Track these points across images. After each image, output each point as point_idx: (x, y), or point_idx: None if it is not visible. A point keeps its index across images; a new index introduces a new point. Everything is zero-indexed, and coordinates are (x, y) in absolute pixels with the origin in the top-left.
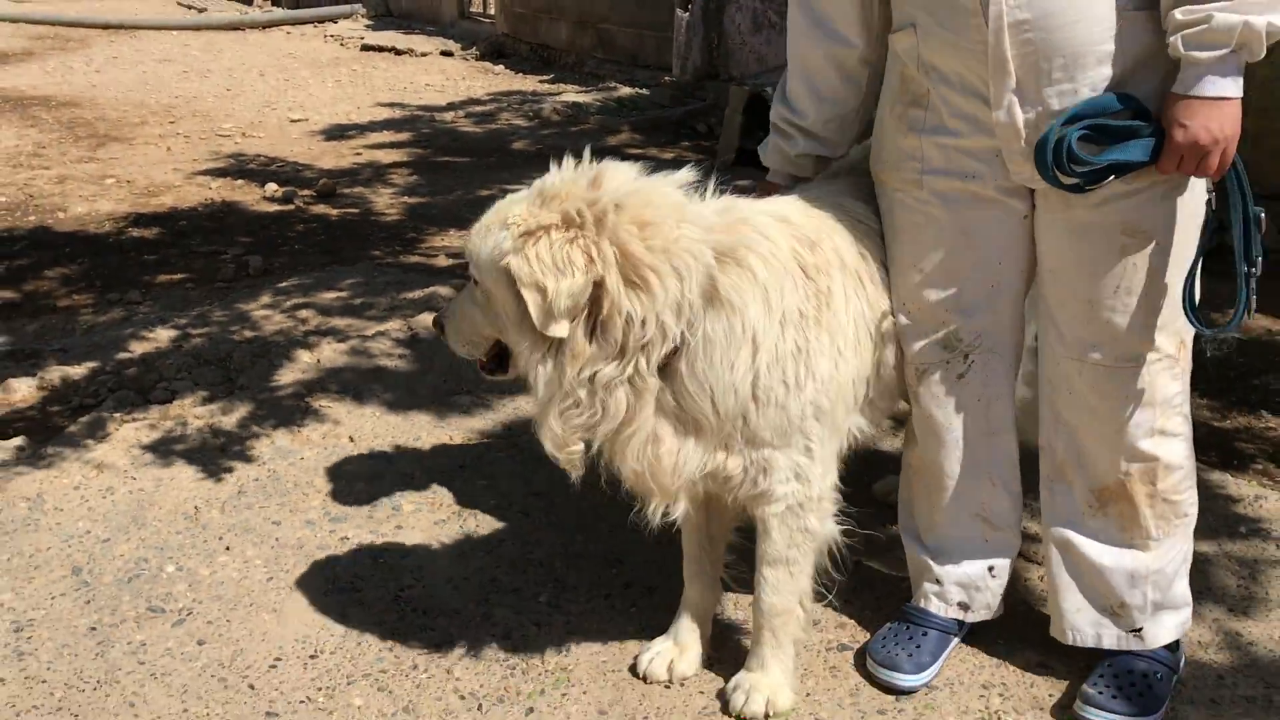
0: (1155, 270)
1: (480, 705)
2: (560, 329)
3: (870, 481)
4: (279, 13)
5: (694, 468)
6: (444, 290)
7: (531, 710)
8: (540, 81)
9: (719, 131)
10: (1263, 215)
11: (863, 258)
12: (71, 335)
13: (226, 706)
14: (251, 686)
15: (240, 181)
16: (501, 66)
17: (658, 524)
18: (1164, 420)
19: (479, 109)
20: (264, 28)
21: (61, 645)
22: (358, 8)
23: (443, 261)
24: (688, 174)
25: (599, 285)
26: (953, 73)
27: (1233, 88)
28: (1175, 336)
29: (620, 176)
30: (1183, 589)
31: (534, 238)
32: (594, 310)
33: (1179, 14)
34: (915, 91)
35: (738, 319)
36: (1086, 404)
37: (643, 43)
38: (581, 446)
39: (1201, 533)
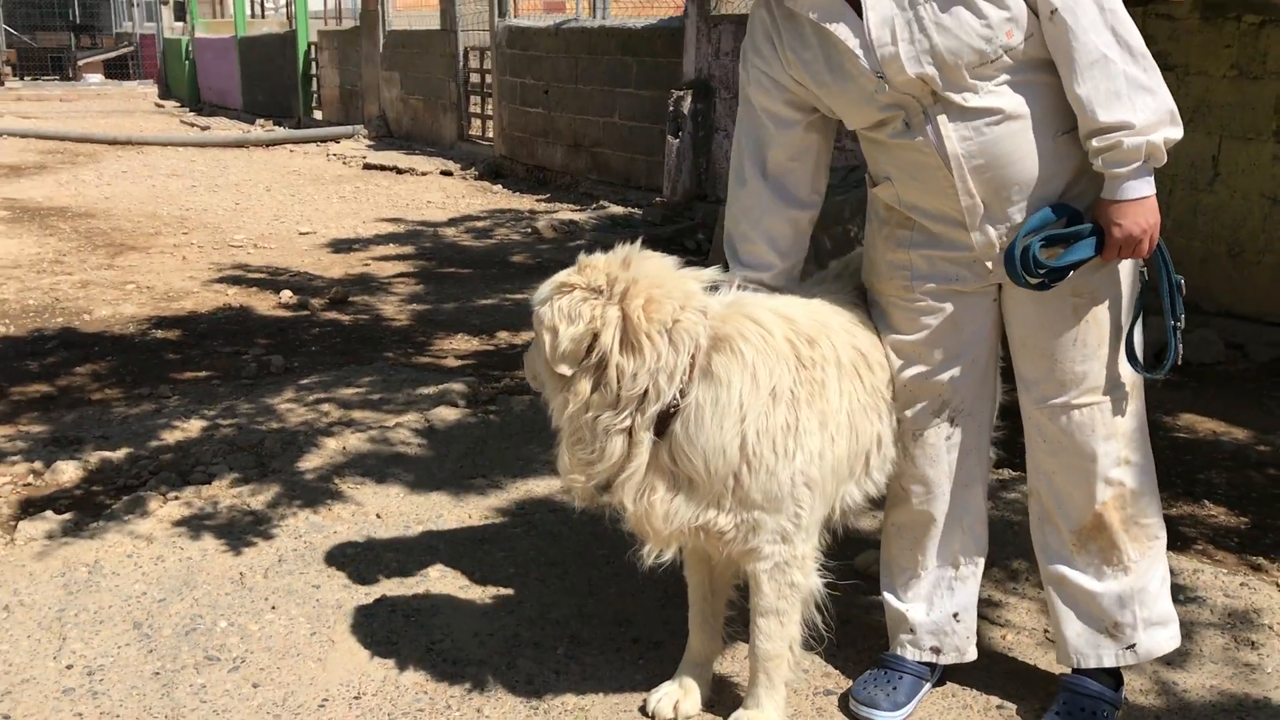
0: (1102, 323)
1: None
2: (565, 369)
3: (853, 556)
4: (281, 131)
5: (685, 519)
6: (457, 386)
7: None
8: (536, 200)
9: (707, 248)
10: (1182, 281)
11: (859, 354)
12: (108, 425)
13: None
14: None
15: (255, 289)
16: (499, 186)
17: (649, 565)
18: (1126, 450)
19: (478, 225)
20: (267, 146)
21: (130, 687)
22: (359, 128)
23: (452, 362)
24: (711, 273)
25: (598, 340)
26: (931, 208)
27: (1148, 188)
28: (1128, 377)
29: (648, 263)
30: (1166, 606)
31: (562, 293)
32: (600, 365)
33: (1095, 143)
34: (900, 220)
35: (725, 391)
36: (1059, 445)
37: (635, 166)
38: (583, 479)
39: None
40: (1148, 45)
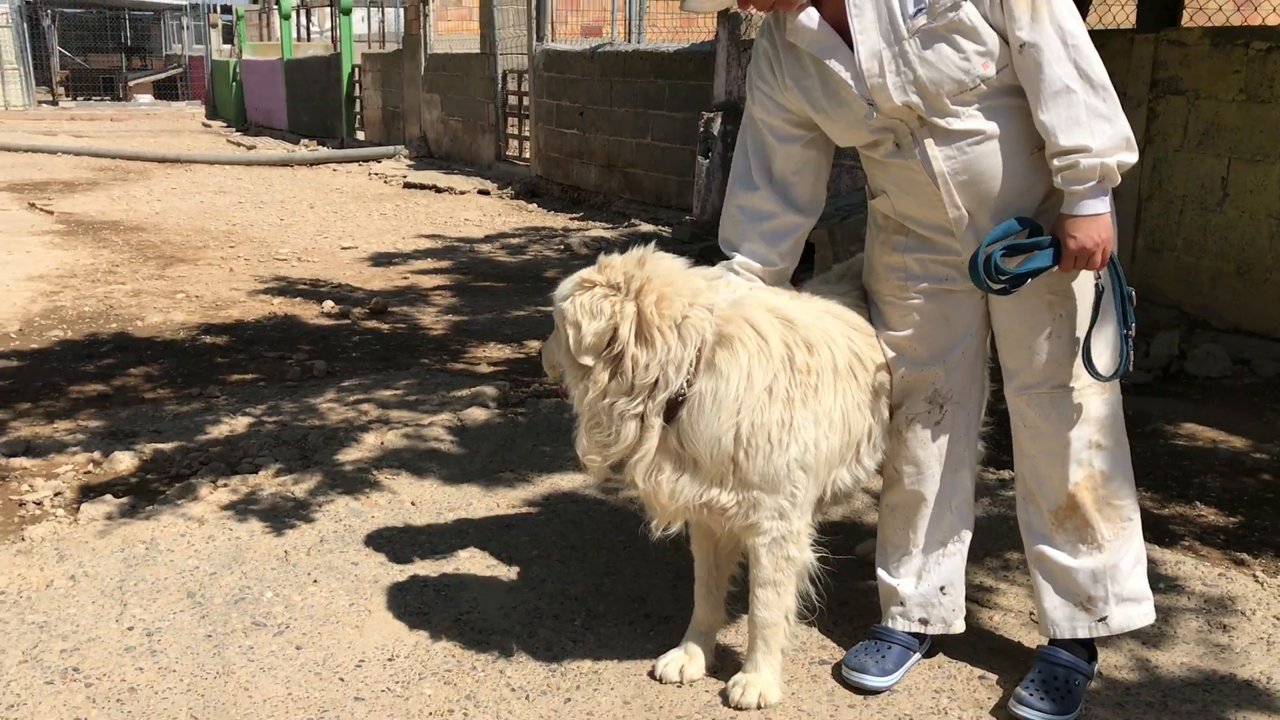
0: (1071, 318)
1: (528, 695)
2: (587, 359)
3: (854, 545)
4: (325, 151)
5: (689, 497)
6: (489, 390)
7: (569, 700)
8: (570, 219)
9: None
10: (1133, 293)
11: (856, 357)
12: (160, 421)
13: (323, 692)
14: (341, 679)
15: (298, 299)
16: (535, 205)
17: (658, 537)
18: (1098, 435)
19: (513, 241)
20: (311, 165)
21: (185, 647)
22: (401, 148)
23: (484, 368)
24: (716, 270)
25: (617, 333)
26: (922, 217)
27: (1102, 206)
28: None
29: (661, 263)
30: (1140, 584)
31: (584, 289)
32: (618, 356)
33: (1056, 161)
34: (895, 227)
35: (724, 384)
36: (1037, 430)
37: (666, 185)
38: (601, 459)
39: None
40: (1161, 71)
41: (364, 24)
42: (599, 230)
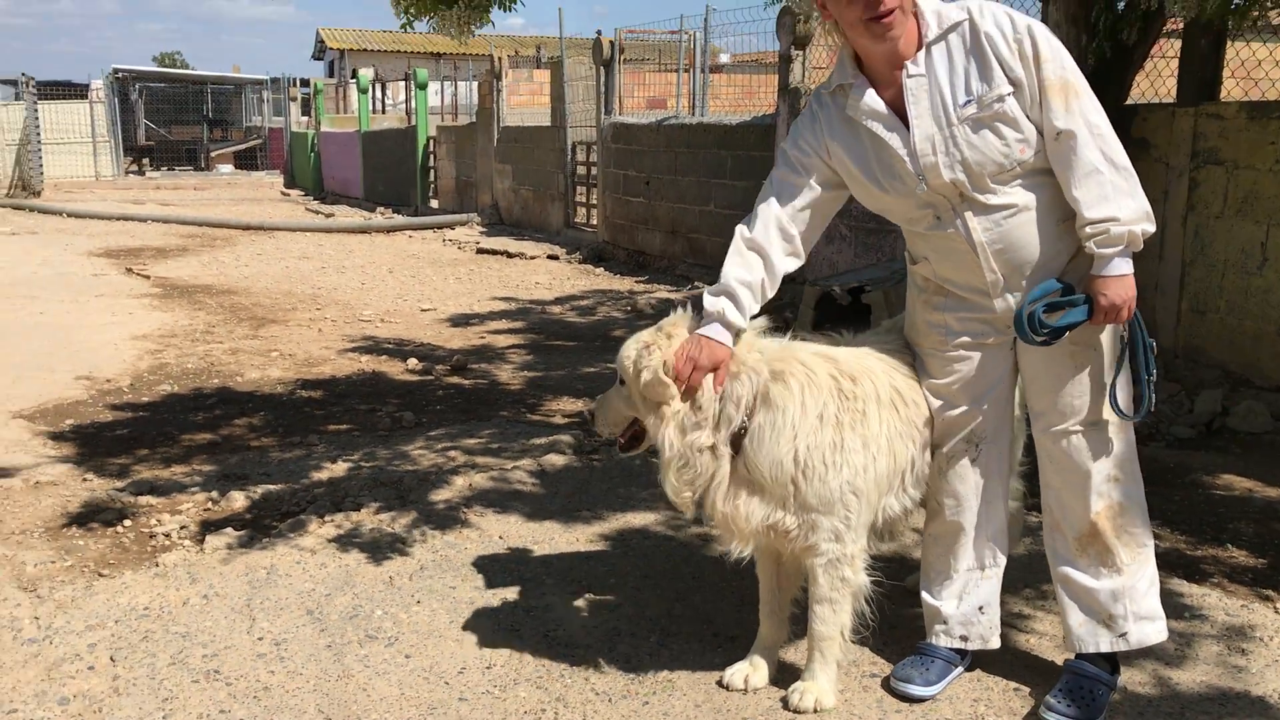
0: (1095, 366)
1: (610, 699)
2: (675, 404)
3: (904, 577)
4: (401, 219)
5: (759, 520)
6: (565, 438)
7: (647, 703)
8: (635, 282)
9: (794, 324)
10: (1154, 344)
11: (896, 392)
12: (267, 465)
13: (430, 693)
14: (446, 683)
15: (384, 357)
16: (601, 269)
17: (734, 558)
18: (1115, 470)
19: (582, 303)
20: (388, 232)
21: (309, 655)
22: (473, 216)
23: (559, 420)
24: (764, 322)
25: None
26: (961, 281)
27: (1127, 268)
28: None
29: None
30: (1154, 604)
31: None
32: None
33: (1088, 229)
34: (935, 289)
35: (780, 415)
36: (1062, 465)
37: (727, 250)
38: (690, 494)
39: None
40: (1201, 142)
41: (436, 97)
42: (663, 292)
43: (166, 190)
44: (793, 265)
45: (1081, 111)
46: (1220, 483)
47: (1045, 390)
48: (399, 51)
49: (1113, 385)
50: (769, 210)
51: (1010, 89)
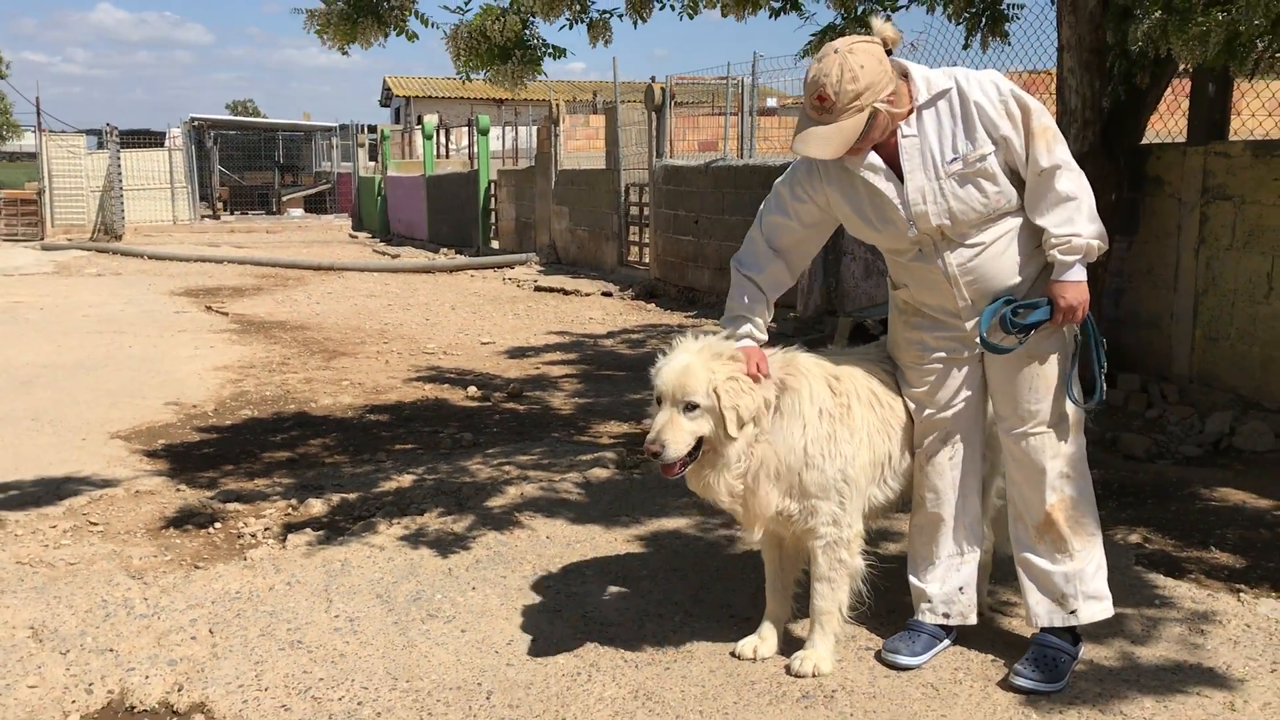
0: (1049, 377)
1: (637, 665)
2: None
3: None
4: (463, 259)
5: (774, 505)
6: (610, 455)
7: (668, 668)
8: (686, 317)
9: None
10: (1105, 341)
11: (874, 393)
12: (340, 478)
13: (483, 659)
14: (496, 652)
15: (446, 386)
16: (653, 305)
17: (749, 544)
18: (1067, 468)
19: (633, 337)
20: (451, 271)
21: (378, 629)
22: (532, 256)
23: (606, 440)
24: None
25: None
26: (936, 305)
27: (1082, 275)
28: (1069, 416)
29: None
30: (1101, 586)
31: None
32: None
33: (1054, 241)
34: (914, 311)
35: (793, 411)
36: (1021, 463)
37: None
38: (741, 488)
39: (1129, 602)
40: (1210, 179)
41: (497, 141)
42: (712, 326)
43: (240, 233)
44: (783, 291)
45: (1060, 153)
46: (1216, 495)
47: (1008, 398)
48: (462, 98)
49: (1069, 378)
50: (764, 250)
51: (993, 148)
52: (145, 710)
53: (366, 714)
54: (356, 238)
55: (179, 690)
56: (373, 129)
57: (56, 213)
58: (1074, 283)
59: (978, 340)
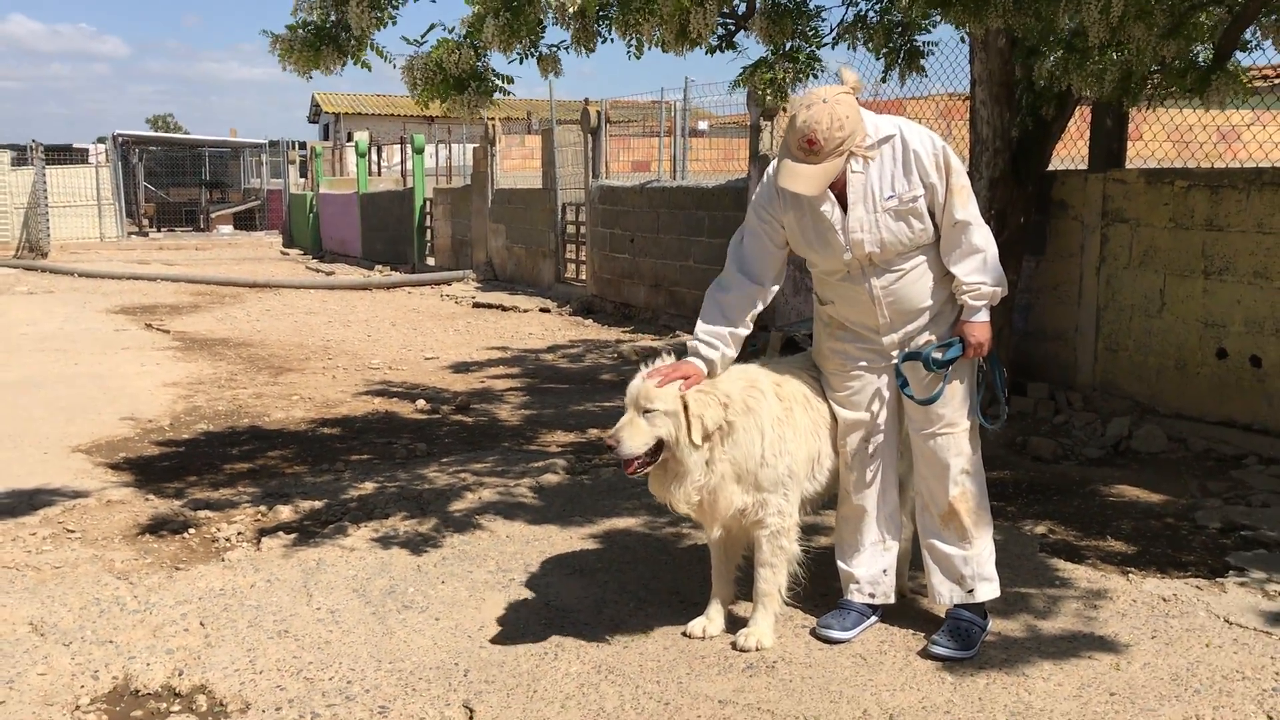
0: (955, 386)
1: (597, 644)
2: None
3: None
4: (400, 276)
5: (737, 506)
6: (560, 461)
7: (626, 647)
8: (622, 332)
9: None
10: (1005, 371)
11: (807, 397)
12: (304, 486)
13: (456, 643)
14: (469, 637)
15: (395, 399)
16: (590, 321)
17: (709, 540)
18: (967, 465)
19: (572, 351)
20: (388, 288)
21: (358, 619)
22: (469, 273)
23: (554, 448)
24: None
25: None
26: (859, 320)
27: (986, 316)
28: (972, 421)
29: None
30: (992, 570)
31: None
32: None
33: (965, 288)
34: (838, 325)
35: (752, 422)
36: (929, 460)
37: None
38: (698, 498)
39: (1033, 581)
40: (1107, 204)
41: (431, 159)
42: (647, 341)
43: (170, 250)
44: (753, 309)
45: (973, 210)
46: (1114, 491)
47: (919, 404)
48: (392, 115)
49: (975, 402)
50: (741, 279)
51: (923, 191)
52: (150, 693)
53: (356, 690)
54: (288, 254)
55: (179, 674)
56: (303, 146)
57: None
58: (981, 323)
59: (896, 351)
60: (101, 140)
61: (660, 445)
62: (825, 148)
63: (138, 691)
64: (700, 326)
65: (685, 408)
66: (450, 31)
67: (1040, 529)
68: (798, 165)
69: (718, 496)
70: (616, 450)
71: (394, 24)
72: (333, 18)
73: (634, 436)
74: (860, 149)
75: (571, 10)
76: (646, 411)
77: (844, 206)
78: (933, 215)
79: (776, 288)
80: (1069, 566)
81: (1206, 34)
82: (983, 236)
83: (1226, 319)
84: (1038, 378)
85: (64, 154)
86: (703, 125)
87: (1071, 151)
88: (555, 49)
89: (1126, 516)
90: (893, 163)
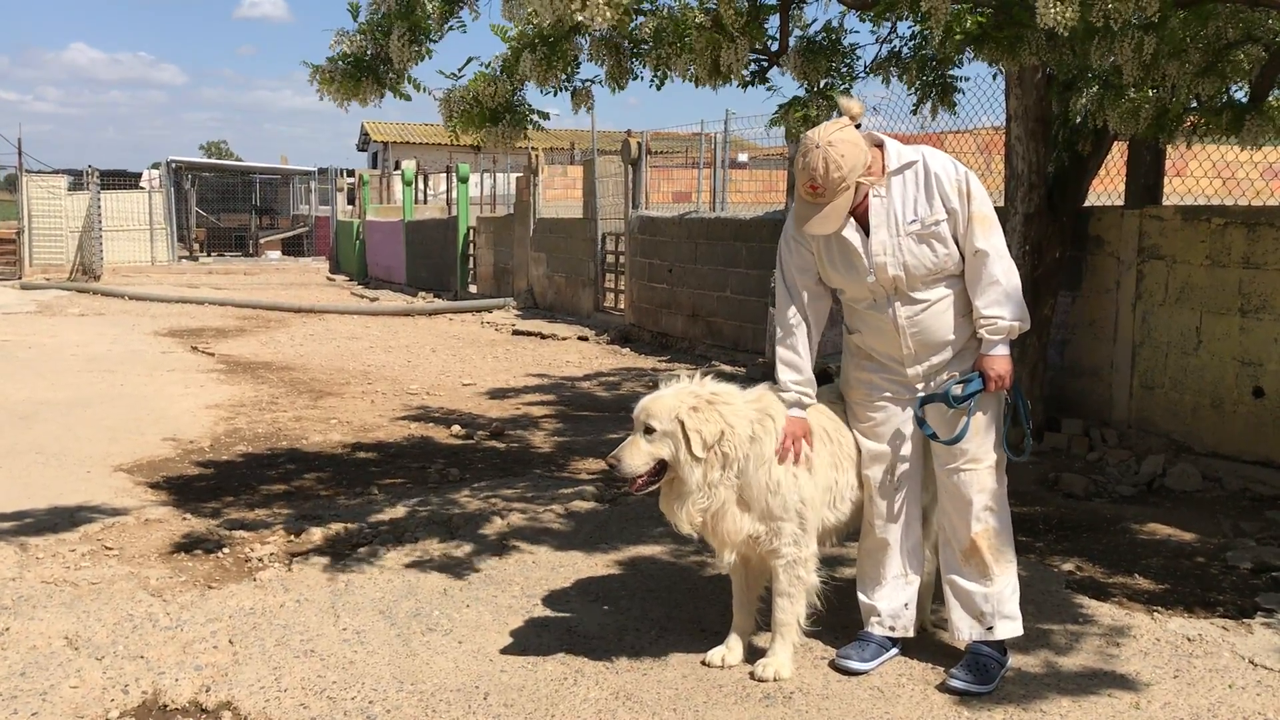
0: (979, 421)
1: (617, 671)
2: (702, 454)
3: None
4: (442, 303)
5: (746, 531)
6: (589, 488)
7: (646, 674)
8: (659, 361)
9: None
10: (1029, 404)
11: (825, 431)
12: (337, 509)
13: (478, 666)
14: (491, 660)
15: (431, 424)
16: (628, 349)
17: (722, 566)
18: (991, 502)
19: (609, 379)
20: (430, 315)
21: (383, 641)
22: (510, 300)
23: (585, 476)
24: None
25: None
26: (885, 351)
27: (1006, 350)
28: (997, 456)
29: (718, 384)
30: (1014, 608)
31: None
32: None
33: (983, 321)
34: (865, 355)
35: (763, 448)
36: (953, 494)
37: (743, 332)
38: (701, 520)
39: (1056, 617)
40: (1144, 240)
41: (475, 188)
42: (683, 370)
43: (219, 275)
44: (814, 340)
45: (995, 240)
46: (1146, 529)
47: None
48: (439, 144)
49: (1002, 433)
50: (785, 318)
51: (945, 216)
52: (177, 708)
53: (377, 711)
54: (334, 280)
55: (207, 691)
56: (351, 173)
57: (35, 252)
58: (1000, 357)
59: (921, 384)
60: (155, 166)
61: (664, 466)
62: (827, 188)
63: (165, 706)
64: (786, 378)
65: (682, 425)
66: (487, 66)
67: (1068, 565)
68: (808, 208)
69: (721, 519)
70: (616, 469)
71: (430, 57)
72: (370, 51)
73: (633, 456)
74: (866, 179)
75: (601, 22)
76: (648, 431)
77: (867, 230)
78: (958, 242)
79: (826, 303)
80: (1094, 604)
81: (1244, 73)
82: (1003, 269)
83: (1263, 357)
84: (1072, 414)
85: (119, 179)
86: (743, 157)
87: (1109, 188)
88: (589, 84)
89: (1156, 555)
90: (915, 187)
